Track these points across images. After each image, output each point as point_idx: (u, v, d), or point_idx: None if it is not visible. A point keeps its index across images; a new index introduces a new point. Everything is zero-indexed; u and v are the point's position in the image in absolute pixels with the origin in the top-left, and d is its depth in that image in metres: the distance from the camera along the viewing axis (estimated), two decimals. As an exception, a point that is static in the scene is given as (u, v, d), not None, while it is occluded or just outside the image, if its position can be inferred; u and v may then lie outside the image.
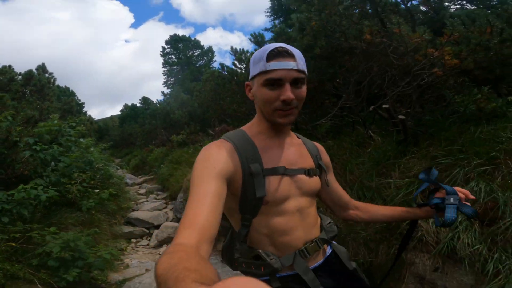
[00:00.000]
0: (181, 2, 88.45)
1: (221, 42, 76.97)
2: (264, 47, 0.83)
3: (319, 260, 0.91)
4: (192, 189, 0.70)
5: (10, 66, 7.31)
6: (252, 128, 0.90)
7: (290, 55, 0.80)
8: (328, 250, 0.95)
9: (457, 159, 1.70)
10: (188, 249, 0.54)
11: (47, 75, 7.32)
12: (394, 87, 2.31)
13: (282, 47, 0.80)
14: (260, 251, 0.82)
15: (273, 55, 0.79)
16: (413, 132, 2.14)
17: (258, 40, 5.30)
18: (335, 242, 1.00)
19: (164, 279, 0.43)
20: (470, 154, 1.68)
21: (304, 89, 0.83)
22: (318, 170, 0.95)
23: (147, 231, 4.86)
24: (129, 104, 26.28)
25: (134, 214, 5.25)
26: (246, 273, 0.85)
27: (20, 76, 6.80)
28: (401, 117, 1.95)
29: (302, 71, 0.81)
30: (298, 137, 1.00)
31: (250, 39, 4.55)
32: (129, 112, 26.64)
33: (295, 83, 0.80)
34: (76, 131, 4.24)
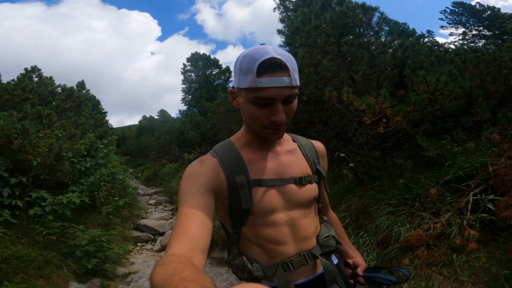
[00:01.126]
0: (205, 18, 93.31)
1: (239, 60, 79.81)
2: (253, 53, 0.72)
3: (309, 275, 0.85)
4: (181, 204, 0.71)
5: (51, 77, 8.43)
6: (239, 139, 0.86)
7: (284, 68, 0.70)
8: (321, 269, 0.87)
9: (378, 198, 2.33)
10: (181, 259, 0.54)
11: (84, 91, 8.39)
12: (354, 138, 2.99)
13: (275, 58, 0.70)
14: (243, 257, 0.82)
15: (264, 68, 0.69)
16: (361, 176, 2.78)
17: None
18: (333, 257, 0.94)
19: None
20: (389, 196, 2.30)
21: (295, 103, 0.76)
22: (316, 176, 0.89)
23: (153, 237, 5.54)
24: (147, 115, 27.62)
25: (143, 222, 5.97)
26: (237, 275, 0.86)
27: (59, 88, 7.85)
28: (351, 164, 2.61)
29: (296, 87, 0.73)
30: (294, 140, 0.93)
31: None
32: (147, 124, 28.11)
33: (287, 100, 0.73)
34: (108, 150, 5.11)
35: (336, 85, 3.22)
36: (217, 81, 27.03)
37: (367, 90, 3.31)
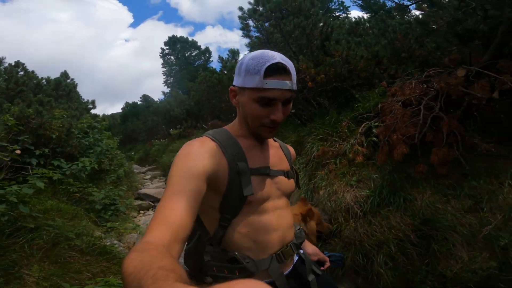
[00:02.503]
0: (178, 1, 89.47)
1: (220, 40, 78.27)
2: (261, 57, 0.78)
3: (290, 266, 0.91)
4: (169, 186, 0.66)
5: (33, 71, 8.87)
6: (235, 129, 0.89)
7: (287, 73, 0.77)
8: (295, 257, 0.95)
9: (311, 133, 3.30)
10: (159, 247, 0.52)
11: (69, 80, 8.92)
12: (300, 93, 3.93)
13: (281, 63, 0.77)
14: (236, 253, 0.79)
15: (271, 71, 0.75)
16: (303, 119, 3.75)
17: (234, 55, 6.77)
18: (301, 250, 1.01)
19: (137, 278, 0.41)
20: (319, 130, 3.28)
21: (290, 105, 0.83)
22: (293, 173, 0.97)
23: (152, 204, 6.46)
24: (130, 102, 27.65)
25: (143, 191, 6.89)
26: (217, 277, 0.80)
27: (44, 81, 8.36)
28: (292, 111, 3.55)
29: (295, 91, 0.81)
30: (275, 140, 1.01)
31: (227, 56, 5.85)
32: (131, 110, 28.17)
33: (286, 101, 0.80)
34: (102, 125, 5.89)
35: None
36: (197, 62, 27.06)
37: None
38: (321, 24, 3.57)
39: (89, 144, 4.98)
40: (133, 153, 13.11)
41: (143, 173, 10.69)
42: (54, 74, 8.89)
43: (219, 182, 0.77)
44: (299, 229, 1.00)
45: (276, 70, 0.76)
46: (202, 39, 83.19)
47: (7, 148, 2.62)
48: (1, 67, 8.15)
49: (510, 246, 1.55)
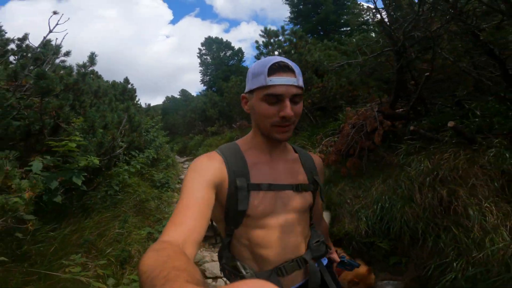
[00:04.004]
0: None
1: (255, 36, 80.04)
2: (264, 60, 0.83)
3: (300, 281, 0.90)
4: (182, 195, 0.73)
5: (100, 75, 11.35)
6: (245, 142, 0.92)
7: (291, 70, 0.80)
8: (317, 271, 0.93)
9: (292, 142, 4.90)
10: (174, 247, 0.56)
11: (129, 86, 11.36)
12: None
13: (284, 62, 0.80)
14: (238, 263, 0.85)
15: (274, 69, 0.79)
16: (295, 132, 5.38)
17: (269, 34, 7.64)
18: (323, 260, 0.99)
19: (151, 277, 0.43)
20: (300, 140, 4.87)
21: (301, 105, 0.84)
22: (312, 185, 0.95)
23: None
24: (170, 96, 30.55)
25: (182, 177, 8.98)
26: (229, 279, 0.89)
27: (109, 83, 10.76)
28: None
29: (301, 87, 0.82)
30: (296, 151, 1.00)
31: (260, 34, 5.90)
32: (171, 104, 31.25)
33: (294, 99, 0.81)
34: (158, 126, 8.05)
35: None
36: (231, 62, 29.12)
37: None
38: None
39: (149, 140, 7.10)
40: (174, 145, 15.62)
41: (182, 162, 12.93)
42: (101, 70, 11.29)
43: (221, 194, 0.82)
44: (317, 242, 0.96)
45: (279, 67, 0.79)
46: (237, 35, 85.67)
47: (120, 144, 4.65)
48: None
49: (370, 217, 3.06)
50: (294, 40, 5.55)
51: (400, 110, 3.67)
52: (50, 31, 3.08)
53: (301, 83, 0.82)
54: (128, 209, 3.80)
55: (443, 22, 2.53)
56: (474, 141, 2.42)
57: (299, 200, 0.91)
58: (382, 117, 3.37)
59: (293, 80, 0.80)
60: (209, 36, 30.14)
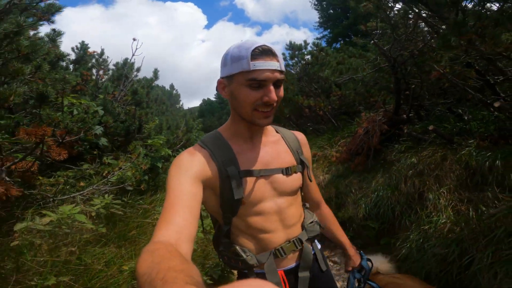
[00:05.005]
0: (243, 2, 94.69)
1: (287, 39, 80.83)
2: (243, 43, 0.80)
3: (297, 261, 0.93)
4: (168, 192, 0.72)
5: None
6: (227, 130, 0.91)
7: (274, 55, 0.79)
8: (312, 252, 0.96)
9: (313, 143, 5.69)
10: (168, 247, 0.54)
11: (174, 91, 12.92)
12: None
13: (266, 46, 0.79)
14: (237, 247, 0.87)
15: (257, 53, 0.77)
16: (318, 134, 6.18)
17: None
18: (316, 241, 1.01)
19: (148, 280, 0.42)
20: (320, 142, 5.63)
21: (282, 88, 0.83)
22: (301, 166, 0.96)
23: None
24: (206, 98, 32.21)
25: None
26: (229, 265, 0.92)
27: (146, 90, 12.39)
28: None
29: (283, 72, 0.81)
30: (277, 131, 0.99)
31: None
32: (207, 107, 33.11)
33: (276, 83, 0.80)
34: (199, 127, 9.34)
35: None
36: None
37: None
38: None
39: (194, 138, 8.40)
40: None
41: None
42: (148, 73, 13.07)
43: (213, 186, 0.82)
44: (311, 222, 0.98)
45: (262, 52, 0.77)
46: (269, 38, 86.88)
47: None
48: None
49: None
50: (315, 50, 6.37)
51: (404, 115, 4.32)
52: (133, 55, 4.32)
53: (283, 67, 0.81)
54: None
55: (426, 41, 3.21)
56: (452, 141, 3.06)
57: (289, 183, 0.91)
58: (382, 122, 4.07)
59: (277, 64, 0.79)
60: (241, 40, 31.46)
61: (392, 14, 3.30)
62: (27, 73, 1.56)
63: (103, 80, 4.29)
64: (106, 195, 2.24)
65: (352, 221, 3.74)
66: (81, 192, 2.03)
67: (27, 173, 1.84)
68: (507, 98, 2.63)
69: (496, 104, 2.35)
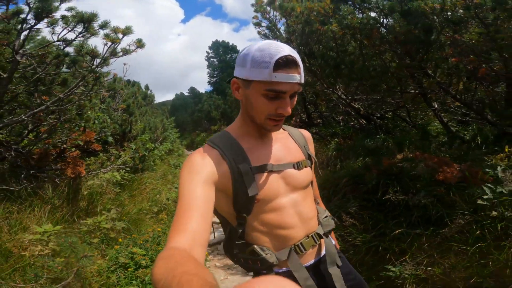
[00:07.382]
0: None
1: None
2: (268, 47, 0.77)
3: (316, 257, 0.92)
4: (181, 196, 0.72)
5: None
6: (236, 129, 0.90)
7: (297, 66, 0.77)
8: (324, 251, 0.95)
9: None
10: (182, 253, 0.56)
11: (149, 91, 14.11)
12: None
13: (292, 56, 0.77)
14: (255, 246, 0.84)
15: (281, 64, 0.75)
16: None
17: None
18: (330, 237, 1.00)
19: (164, 285, 0.44)
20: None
21: (295, 98, 0.84)
22: (309, 160, 0.96)
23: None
24: (179, 93, 33.07)
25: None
26: (246, 268, 0.89)
27: (128, 91, 13.56)
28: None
29: (302, 84, 0.80)
30: (284, 129, 1.00)
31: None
32: (180, 102, 34.01)
33: (293, 95, 0.81)
34: (172, 125, 10.86)
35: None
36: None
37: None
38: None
39: (167, 136, 9.88)
40: (183, 140, 18.49)
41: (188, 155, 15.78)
42: (120, 69, 14.25)
43: (225, 186, 0.81)
44: (326, 217, 0.98)
45: (286, 63, 0.75)
46: (247, 34, 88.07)
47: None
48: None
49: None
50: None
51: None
52: (124, 76, 5.82)
53: (303, 79, 0.80)
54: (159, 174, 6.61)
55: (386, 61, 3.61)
56: (326, 139, 5.02)
57: (302, 177, 0.90)
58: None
59: (298, 77, 0.77)
60: (216, 40, 32.89)
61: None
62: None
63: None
64: (116, 172, 3.86)
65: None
66: (106, 169, 3.64)
67: (76, 159, 3.44)
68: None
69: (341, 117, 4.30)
